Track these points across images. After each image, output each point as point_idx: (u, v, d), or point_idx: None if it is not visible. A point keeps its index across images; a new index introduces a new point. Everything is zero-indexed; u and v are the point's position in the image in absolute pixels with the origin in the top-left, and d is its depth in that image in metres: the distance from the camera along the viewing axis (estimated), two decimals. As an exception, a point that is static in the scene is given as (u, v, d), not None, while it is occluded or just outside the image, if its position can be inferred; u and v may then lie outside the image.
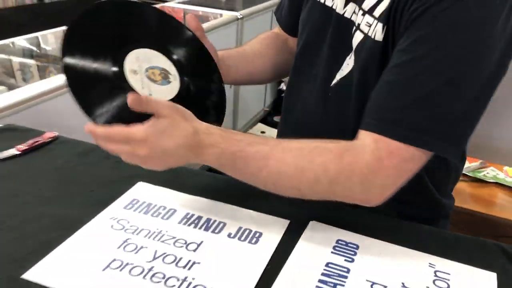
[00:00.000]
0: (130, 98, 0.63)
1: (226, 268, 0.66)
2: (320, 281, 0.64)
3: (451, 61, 0.64)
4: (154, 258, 0.67)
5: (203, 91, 0.77)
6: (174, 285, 0.62)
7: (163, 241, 0.70)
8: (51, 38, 1.98)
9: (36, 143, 0.94)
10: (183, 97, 0.74)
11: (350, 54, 0.78)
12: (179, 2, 2.95)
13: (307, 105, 0.89)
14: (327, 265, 0.67)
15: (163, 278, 0.63)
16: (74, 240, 0.69)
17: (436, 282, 0.65)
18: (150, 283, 0.62)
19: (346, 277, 0.65)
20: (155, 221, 0.75)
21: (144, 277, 0.63)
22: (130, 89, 0.74)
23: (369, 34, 0.73)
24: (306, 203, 0.71)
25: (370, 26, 0.73)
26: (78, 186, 0.83)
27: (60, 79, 1.36)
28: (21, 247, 0.67)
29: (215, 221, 0.75)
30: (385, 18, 0.71)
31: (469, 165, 1.46)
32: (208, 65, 0.76)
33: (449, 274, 0.67)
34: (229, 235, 0.72)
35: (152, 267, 0.65)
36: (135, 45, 0.71)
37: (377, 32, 0.72)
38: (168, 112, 0.65)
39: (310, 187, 0.68)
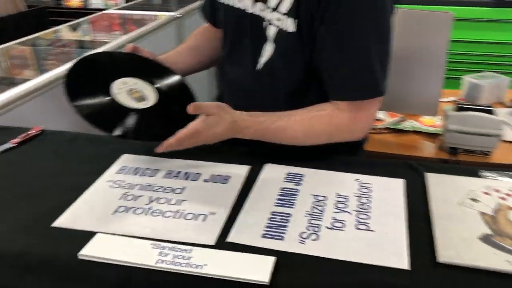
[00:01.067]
0: (191, 107, 0.91)
1: (208, 200, 0.86)
2: (278, 199, 0.86)
3: (368, 34, 0.91)
4: (150, 202, 0.86)
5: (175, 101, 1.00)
6: (169, 216, 0.82)
7: (154, 190, 0.90)
8: None
9: (28, 136, 1.11)
10: (160, 106, 0.97)
11: (267, 43, 1.01)
12: (117, 9, 3.09)
13: (241, 85, 1.12)
14: (282, 189, 0.90)
15: (160, 213, 0.83)
16: (84, 197, 0.88)
17: (361, 190, 0.90)
18: (152, 217, 0.82)
19: (296, 195, 0.88)
20: (144, 179, 0.94)
21: (145, 214, 0.83)
22: (124, 106, 0.99)
23: (282, 27, 0.96)
24: (260, 153, 0.96)
25: (280, 20, 0.96)
26: (73, 163, 1.01)
27: (28, 84, 1.50)
28: (44, 206, 0.85)
29: (192, 173, 0.96)
30: (294, 13, 0.94)
31: (391, 119, 1.74)
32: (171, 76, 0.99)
33: (370, 183, 0.91)
34: (205, 180, 0.93)
35: (151, 207, 0.85)
36: (115, 77, 0.96)
37: (289, 25, 0.95)
38: (214, 110, 0.93)
39: (315, 142, 1.00)
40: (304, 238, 0.76)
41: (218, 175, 0.95)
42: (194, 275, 0.68)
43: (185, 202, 0.86)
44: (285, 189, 0.90)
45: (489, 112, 1.45)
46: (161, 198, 0.87)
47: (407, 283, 0.66)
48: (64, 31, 2.61)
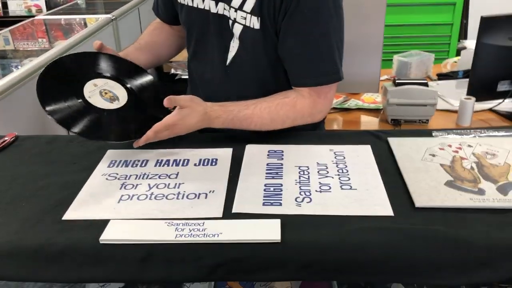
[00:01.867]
0: (166, 101, 0.97)
1: (203, 181, 0.94)
2: (267, 173, 0.96)
3: (327, 25, 1.02)
4: (150, 188, 0.92)
5: (146, 98, 1.07)
6: (173, 198, 0.89)
7: (150, 178, 0.96)
8: None
9: (4, 143, 1.11)
10: (131, 103, 1.05)
11: (233, 39, 1.09)
12: (49, 14, 3.01)
13: (210, 80, 1.19)
14: (267, 164, 0.99)
15: (163, 196, 0.89)
16: (85, 191, 0.92)
17: (336, 157, 1.01)
18: (156, 201, 0.88)
19: (281, 168, 0.97)
20: (136, 169, 0.99)
21: (149, 199, 0.89)
22: (95, 107, 1.02)
23: (247, 25, 1.05)
24: (241, 137, 1.06)
25: (245, 19, 1.05)
26: (61, 163, 1.03)
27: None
28: (47, 204, 0.88)
29: (180, 159, 1.03)
30: (257, 12, 1.03)
31: (336, 100, 1.89)
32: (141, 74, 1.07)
33: (343, 151, 1.03)
34: (195, 165, 1.00)
35: (152, 193, 0.90)
36: (85, 79, 1.02)
37: (254, 23, 1.04)
38: (188, 103, 1.00)
39: (280, 127, 1.08)
40: (300, 202, 0.86)
41: (206, 158, 1.02)
42: (210, 243, 0.76)
43: (183, 185, 0.93)
44: (270, 164, 0.99)
45: (424, 84, 1.63)
46: (159, 184, 0.93)
47: (395, 226, 0.78)
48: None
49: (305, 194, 0.88)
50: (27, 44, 2.52)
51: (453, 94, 1.88)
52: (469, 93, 1.68)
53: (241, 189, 0.91)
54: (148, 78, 1.05)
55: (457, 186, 0.88)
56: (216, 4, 1.09)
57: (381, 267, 0.75)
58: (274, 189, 0.90)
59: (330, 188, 0.90)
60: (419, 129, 1.63)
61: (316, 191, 0.89)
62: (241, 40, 1.09)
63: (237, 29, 1.08)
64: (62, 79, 1.04)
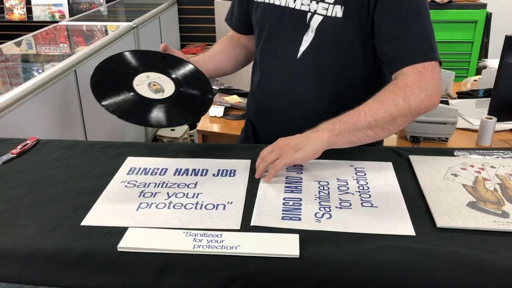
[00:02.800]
0: None
1: (221, 192, 0.93)
2: (286, 187, 0.95)
3: (420, 7, 1.03)
4: (169, 197, 0.92)
5: (192, 96, 1.11)
6: (191, 208, 0.88)
7: (169, 187, 0.96)
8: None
9: (26, 146, 1.12)
10: (176, 98, 1.09)
11: (306, 33, 1.11)
12: (71, 20, 3.06)
13: (279, 77, 1.19)
14: (286, 178, 0.98)
15: (182, 205, 0.89)
16: (103, 198, 0.92)
17: (357, 174, 1.00)
18: (174, 210, 0.88)
19: (300, 182, 0.97)
20: (155, 178, 1.00)
21: (168, 208, 0.89)
22: (146, 98, 1.08)
23: (328, 14, 1.07)
24: (260, 148, 1.04)
25: (327, 9, 1.07)
26: (82, 168, 1.04)
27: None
28: (65, 210, 0.88)
29: (199, 169, 1.03)
30: (341, 1, 1.06)
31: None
32: (198, 77, 1.10)
33: (363, 168, 1.02)
34: (213, 175, 1.00)
35: (171, 202, 0.90)
36: (135, 73, 1.06)
37: (337, 11, 1.07)
38: None
39: (395, 108, 0.99)
40: (319, 218, 0.85)
41: (225, 169, 1.02)
42: (228, 256, 0.75)
43: (201, 195, 0.93)
44: (289, 178, 0.98)
45: (445, 102, 1.61)
46: (177, 193, 0.93)
47: (416, 245, 0.77)
48: (23, 45, 2.56)
49: (324, 210, 0.87)
50: (49, 49, 2.56)
51: (473, 113, 1.86)
52: (491, 112, 1.66)
53: (260, 201, 0.90)
54: (191, 67, 1.09)
55: (480, 207, 0.86)
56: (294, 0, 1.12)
57: (400, 287, 0.74)
58: (293, 203, 0.90)
59: (350, 205, 0.89)
60: (439, 147, 1.62)
61: (336, 207, 0.88)
62: (318, 31, 1.10)
63: (316, 21, 1.10)
64: (113, 75, 1.07)
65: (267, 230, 0.82)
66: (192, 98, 1.11)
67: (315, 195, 0.92)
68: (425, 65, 1.02)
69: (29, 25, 3.63)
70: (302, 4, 1.11)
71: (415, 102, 1.00)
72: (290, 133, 1.03)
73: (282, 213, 0.86)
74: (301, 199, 0.91)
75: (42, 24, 3.18)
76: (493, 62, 2.23)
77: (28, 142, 1.14)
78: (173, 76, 1.07)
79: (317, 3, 1.09)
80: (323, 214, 0.86)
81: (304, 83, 1.16)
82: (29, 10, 3.98)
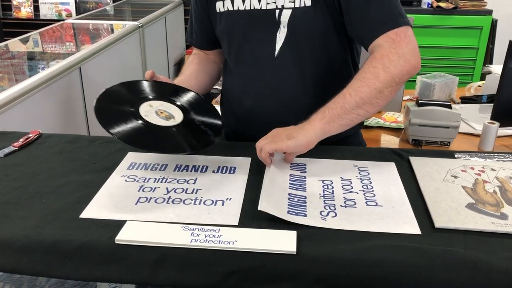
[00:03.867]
0: None
1: (221, 188, 0.94)
2: (290, 184, 0.95)
3: None
4: (168, 192, 0.92)
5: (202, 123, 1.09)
6: (190, 203, 0.89)
7: (169, 182, 0.96)
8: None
9: (28, 139, 1.13)
10: (184, 125, 1.05)
11: (279, 30, 1.12)
12: (78, 18, 3.07)
13: (259, 79, 1.19)
14: (290, 175, 0.98)
15: (181, 201, 0.89)
16: (103, 191, 0.92)
17: (361, 173, 1.00)
18: (173, 205, 0.88)
19: (305, 180, 0.97)
20: (155, 173, 1.00)
21: (167, 203, 0.89)
22: (152, 124, 1.02)
23: (297, 6, 1.08)
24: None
25: (294, 1, 1.08)
26: (82, 162, 1.05)
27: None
28: (65, 202, 0.89)
29: (199, 166, 1.03)
30: None
31: (358, 117, 1.88)
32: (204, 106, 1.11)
33: (367, 168, 1.02)
34: (213, 171, 1.01)
35: (170, 197, 0.91)
36: (141, 101, 1.05)
37: (305, 0, 1.08)
38: None
39: (377, 81, 0.99)
40: (325, 216, 0.85)
41: (224, 166, 1.03)
42: (225, 250, 0.76)
43: (201, 191, 0.93)
44: (293, 176, 0.99)
45: (448, 106, 1.61)
46: (177, 188, 0.94)
47: (413, 245, 0.77)
48: (30, 42, 2.58)
49: (330, 208, 0.87)
50: (55, 47, 2.58)
51: (476, 118, 1.85)
52: (493, 117, 1.66)
53: (266, 190, 0.90)
54: (193, 94, 1.10)
55: (479, 209, 0.86)
56: (259, 0, 1.12)
57: (397, 286, 0.74)
58: (298, 200, 0.90)
59: (355, 203, 0.89)
60: (441, 150, 1.61)
61: (341, 205, 0.88)
62: (290, 25, 1.11)
63: (286, 15, 1.10)
64: (117, 104, 1.04)
65: (268, 222, 0.82)
66: (203, 123, 1.09)
67: (320, 193, 0.92)
68: (397, 31, 1.02)
69: (36, 23, 3.66)
70: (267, 3, 1.11)
71: (396, 70, 1.00)
72: None
73: (288, 207, 0.86)
74: (305, 197, 0.91)
75: (49, 22, 3.20)
76: (497, 68, 2.22)
77: (30, 135, 1.14)
78: (178, 103, 1.07)
79: None
80: (328, 213, 0.86)
81: (288, 79, 1.16)
82: (36, 8, 4.01)
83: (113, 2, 3.95)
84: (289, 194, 0.91)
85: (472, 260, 0.73)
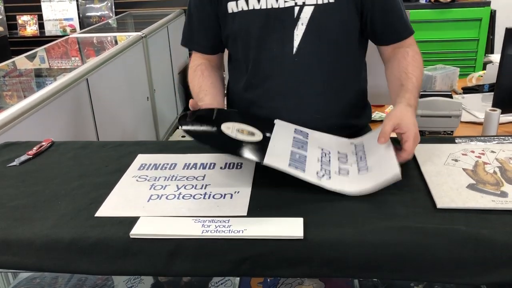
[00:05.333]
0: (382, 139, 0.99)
1: (229, 183, 0.97)
2: (293, 143, 1.02)
3: None
4: (178, 189, 0.96)
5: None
6: (200, 198, 0.92)
7: (178, 180, 1.00)
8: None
9: (41, 148, 1.17)
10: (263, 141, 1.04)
11: (296, 28, 1.15)
12: (82, 32, 3.14)
13: (280, 76, 1.21)
14: (293, 138, 1.05)
15: (191, 196, 0.93)
16: (116, 191, 0.96)
17: (357, 148, 1.05)
18: (184, 201, 0.92)
19: (306, 144, 1.04)
20: (165, 172, 1.04)
21: (178, 199, 0.92)
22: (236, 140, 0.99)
23: (319, 2, 1.13)
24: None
25: None
26: (95, 165, 1.09)
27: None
28: (80, 203, 0.93)
29: (207, 163, 1.06)
30: None
31: (361, 113, 1.91)
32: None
33: (363, 145, 1.06)
34: (221, 168, 1.04)
35: (180, 193, 0.94)
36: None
37: None
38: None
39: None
40: (320, 176, 0.92)
41: (231, 162, 1.06)
42: (235, 239, 0.79)
43: (209, 186, 0.96)
44: (296, 138, 1.05)
45: (449, 96, 1.63)
46: (187, 185, 0.97)
47: (417, 225, 0.79)
48: (35, 60, 2.64)
49: (325, 172, 0.94)
50: (61, 62, 2.63)
51: (478, 107, 1.87)
52: (495, 105, 1.68)
53: (273, 145, 0.97)
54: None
55: (479, 189, 0.88)
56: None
57: (402, 265, 0.77)
58: (299, 157, 0.96)
59: (348, 173, 0.95)
60: (441, 136, 1.64)
61: (335, 172, 0.95)
62: (310, 22, 1.14)
63: (307, 12, 1.14)
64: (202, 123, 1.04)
65: (276, 211, 0.85)
66: None
67: (318, 157, 0.99)
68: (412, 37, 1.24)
69: (41, 40, 3.72)
70: (285, 1, 1.14)
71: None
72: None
73: (290, 161, 0.92)
74: (306, 156, 0.97)
75: (54, 38, 3.26)
76: (497, 57, 2.24)
77: (43, 144, 1.19)
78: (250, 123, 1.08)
79: None
80: (323, 175, 0.93)
81: (307, 76, 1.19)
82: (41, 26, 4.09)
83: (116, 15, 4.02)
84: (291, 151, 0.97)
85: (473, 237, 0.76)
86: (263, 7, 1.16)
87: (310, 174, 0.90)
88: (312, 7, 1.13)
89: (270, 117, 1.21)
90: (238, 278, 1.17)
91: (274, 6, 1.15)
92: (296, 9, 1.14)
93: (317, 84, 1.20)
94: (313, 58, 1.18)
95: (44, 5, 4.05)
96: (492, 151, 1.03)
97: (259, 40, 1.19)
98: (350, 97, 1.27)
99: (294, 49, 1.17)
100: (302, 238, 0.78)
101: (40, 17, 4.07)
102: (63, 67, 2.53)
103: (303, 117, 1.19)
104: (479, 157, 1.01)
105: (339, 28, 1.16)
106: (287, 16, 1.15)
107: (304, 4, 1.14)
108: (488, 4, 3.08)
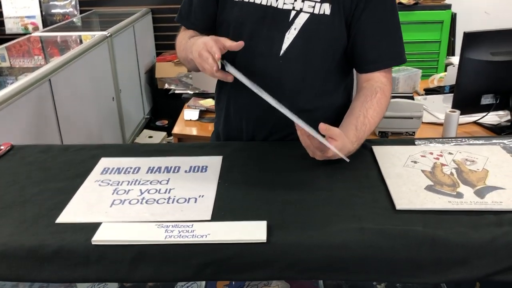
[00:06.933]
0: (323, 126, 0.99)
1: (193, 187, 0.97)
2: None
3: (395, 15, 1.18)
4: (142, 193, 0.95)
5: None
6: (163, 202, 0.92)
7: (142, 184, 0.99)
8: None
9: (0, 152, 1.14)
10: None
11: (288, 30, 1.15)
12: (45, 31, 3.06)
13: (262, 75, 1.19)
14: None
15: (154, 201, 0.92)
16: (78, 197, 0.95)
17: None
18: (147, 205, 0.91)
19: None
20: (128, 176, 1.02)
21: (141, 203, 0.92)
22: None
23: (315, 12, 1.13)
24: (231, 146, 1.08)
25: (313, 7, 1.13)
26: (55, 170, 1.06)
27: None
28: (40, 209, 0.91)
29: (171, 167, 1.06)
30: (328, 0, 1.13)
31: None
32: None
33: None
34: (185, 171, 1.04)
35: (144, 198, 0.94)
36: None
37: (325, 9, 1.13)
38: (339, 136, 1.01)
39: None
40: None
41: (196, 166, 1.06)
42: (199, 244, 0.79)
43: (173, 190, 0.96)
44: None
45: (410, 98, 1.68)
46: (150, 189, 0.97)
47: (377, 227, 0.81)
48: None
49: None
50: (23, 61, 2.56)
51: (439, 108, 1.93)
52: (454, 106, 1.73)
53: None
54: None
55: (437, 190, 0.91)
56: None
57: (363, 266, 0.79)
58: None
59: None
60: (402, 138, 1.68)
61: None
62: (303, 29, 1.15)
63: (302, 18, 1.14)
64: None
65: (240, 215, 0.85)
66: None
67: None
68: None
69: (1, 38, 3.61)
70: (284, 3, 1.15)
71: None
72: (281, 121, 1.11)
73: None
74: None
75: (15, 36, 3.17)
76: (457, 59, 2.31)
77: (2, 147, 1.16)
78: None
79: (303, 1, 1.14)
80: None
81: (288, 79, 1.20)
82: (1, 23, 3.96)
83: (80, 13, 3.93)
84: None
85: (430, 237, 0.79)
86: (263, 3, 1.17)
87: (270, 99, 0.95)
88: (308, 14, 1.14)
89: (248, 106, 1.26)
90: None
91: (273, 5, 1.16)
92: (293, 13, 1.15)
93: (297, 89, 1.20)
94: (297, 65, 1.19)
95: (4, 2, 3.92)
96: (450, 153, 1.06)
97: (250, 33, 1.19)
98: (325, 112, 1.25)
99: (282, 51, 1.18)
100: (265, 241, 0.78)
101: (0, 14, 3.95)
102: (25, 66, 2.46)
103: (280, 116, 1.19)
104: (437, 158, 1.04)
105: (329, 41, 1.17)
106: (282, 18, 1.16)
107: (301, 10, 1.15)
108: (449, 7, 3.17)
